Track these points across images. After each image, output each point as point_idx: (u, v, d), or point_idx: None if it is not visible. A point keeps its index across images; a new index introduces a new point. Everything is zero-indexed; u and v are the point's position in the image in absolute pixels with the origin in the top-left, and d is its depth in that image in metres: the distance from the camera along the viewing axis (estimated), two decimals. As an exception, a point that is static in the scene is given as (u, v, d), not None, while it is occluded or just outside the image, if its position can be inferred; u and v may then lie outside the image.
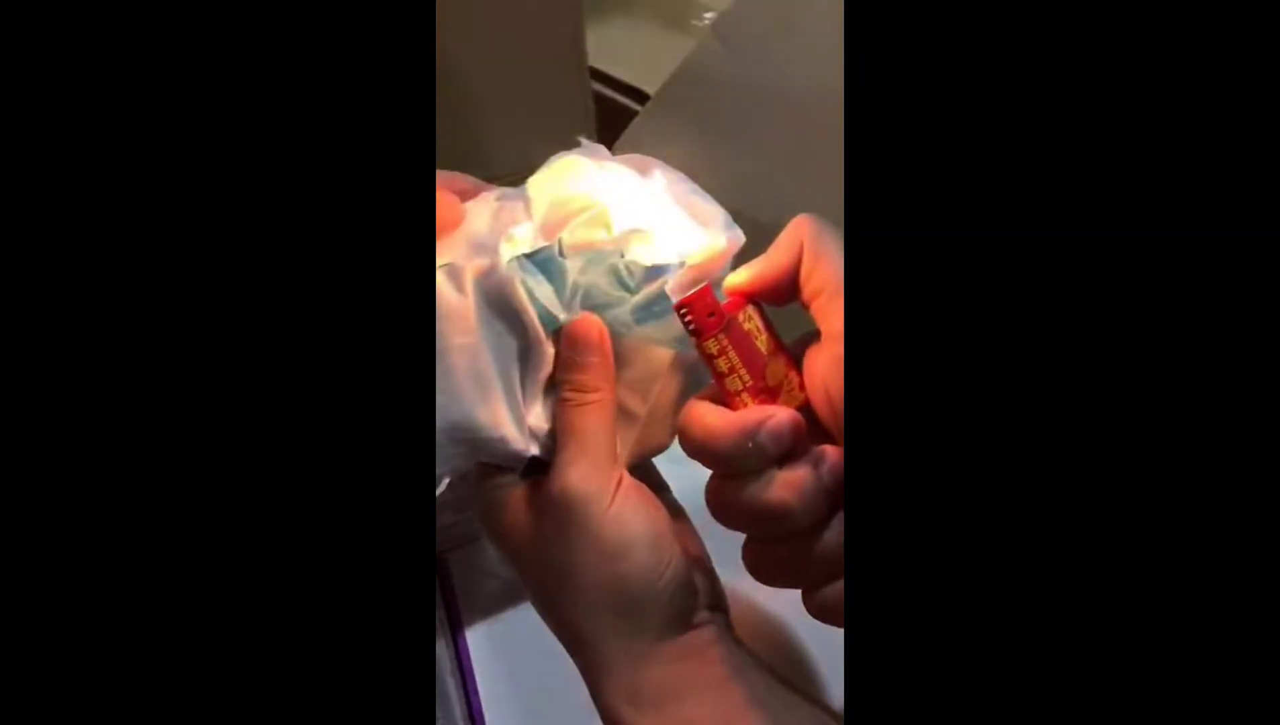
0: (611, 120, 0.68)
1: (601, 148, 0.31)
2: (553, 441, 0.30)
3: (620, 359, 0.30)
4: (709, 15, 0.77)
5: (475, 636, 0.48)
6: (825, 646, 0.46)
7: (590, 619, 0.29)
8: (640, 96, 0.70)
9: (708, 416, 0.27)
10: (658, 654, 0.28)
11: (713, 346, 0.27)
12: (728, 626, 0.31)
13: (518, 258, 0.28)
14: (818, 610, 0.26)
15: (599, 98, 0.71)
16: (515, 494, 0.30)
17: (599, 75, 0.71)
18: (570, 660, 0.30)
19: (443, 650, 0.46)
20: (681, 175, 0.31)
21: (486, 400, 0.29)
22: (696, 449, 0.27)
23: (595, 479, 0.28)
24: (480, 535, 0.52)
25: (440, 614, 0.48)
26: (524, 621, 0.48)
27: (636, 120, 0.65)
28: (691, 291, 0.27)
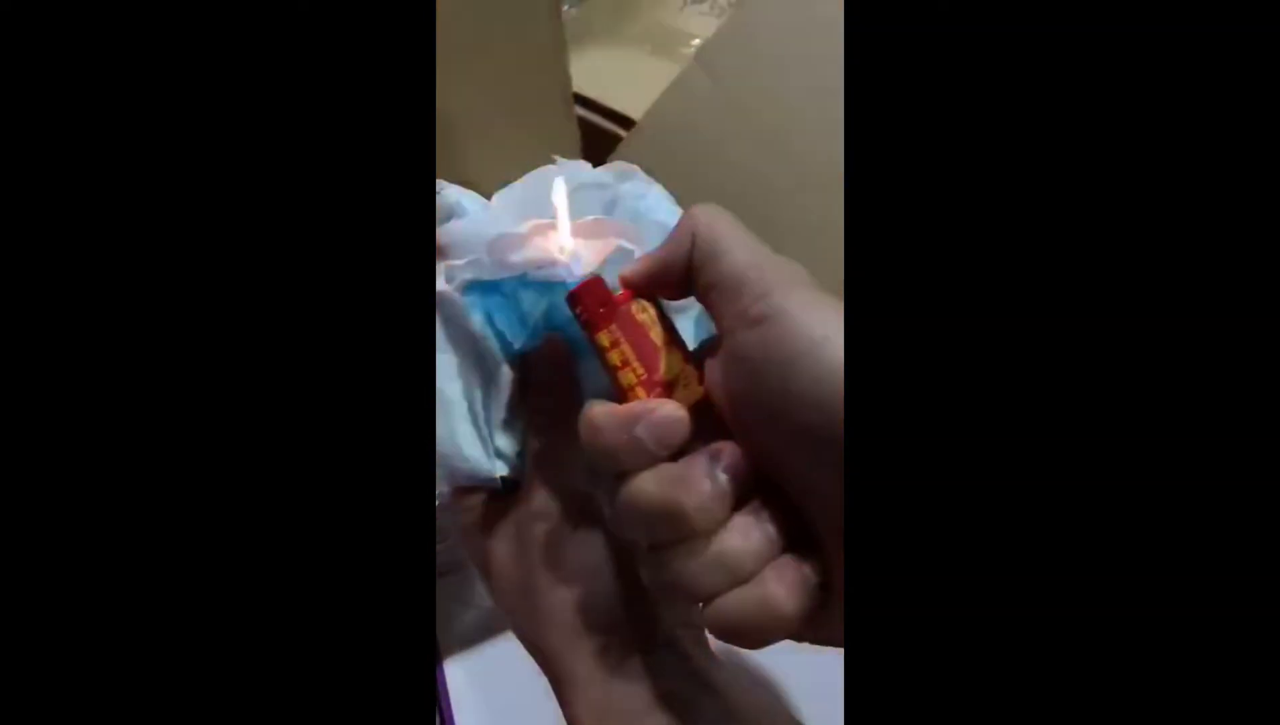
0: (597, 145, 0.68)
1: (581, 164, 0.31)
2: (523, 463, 0.30)
3: (586, 377, 0.30)
4: (694, 42, 0.78)
5: (453, 668, 0.47)
6: (806, 663, 0.45)
7: (558, 638, 0.28)
8: (626, 122, 0.70)
9: (595, 413, 0.25)
10: (625, 671, 0.28)
11: (604, 339, 0.26)
12: (701, 642, 0.31)
13: (476, 283, 0.28)
14: (715, 624, 0.23)
15: (584, 123, 0.71)
16: (486, 515, 0.31)
17: (585, 101, 0.72)
18: (549, 694, 0.30)
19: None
20: (659, 190, 0.31)
21: (444, 418, 0.29)
22: (586, 447, 0.25)
23: (561, 502, 0.28)
24: (458, 568, 0.51)
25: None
26: (502, 654, 0.47)
27: (622, 145, 0.65)
28: (581, 281, 0.26)
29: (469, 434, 0.30)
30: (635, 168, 0.31)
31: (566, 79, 0.61)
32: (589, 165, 0.31)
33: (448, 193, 0.30)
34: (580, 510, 0.29)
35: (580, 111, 0.70)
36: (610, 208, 0.30)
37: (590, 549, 0.28)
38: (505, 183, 0.31)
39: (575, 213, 0.29)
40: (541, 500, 0.28)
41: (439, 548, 0.48)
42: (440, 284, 0.29)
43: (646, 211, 0.31)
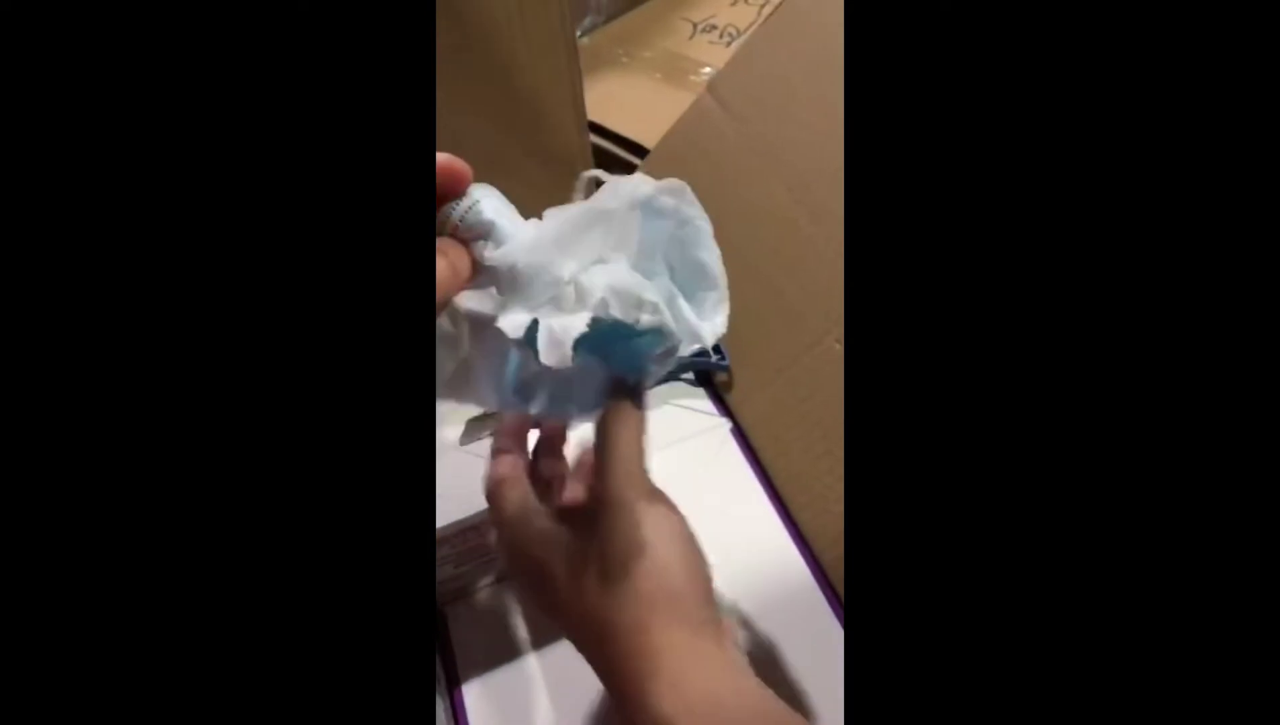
0: (610, 172, 0.68)
1: (637, 178, 0.30)
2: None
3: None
4: (705, 70, 0.79)
5: (471, 692, 0.47)
6: (804, 651, 0.45)
7: (642, 612, 0.30)
8: (637, 149, 0.71)
9: None
10: (702, 647, 0.30)
11: None
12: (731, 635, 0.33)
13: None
14: None
15: (598, 151, 0.72)
16: (543, 512, 0.33)
17: (598, 129, 0.72)
18: (563, 715, 0.30)
19: (439, 706, 0.45)
20: (700, 220, 0.30)
21: (474, 389, 0.31)
22: None
23: (635, 482, 0.31)
24: (477, 589, 0.51)
25: (438, 670, 0.48)
26: (520, 677, 0.47)
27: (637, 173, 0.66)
28: None
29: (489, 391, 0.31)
30: (684, 186, 0.30)
31: (581, 106, 0.62)
32: (641, 177, 0.30)
33: (482, 206, 0.28)
34: (648, 492, 0.32)
35: (593, 138, 0.71)
36: (663, 231, 0.30)
37: (664, 526, 0.31)
38: (520, 212, 0.31)
39: (637, 235, 0.30)
40: (617, 483, 0.31)
41: (460, 572, 0.49)
42: (476, 305, 0.28)
43: (687, 241, 0.30)
